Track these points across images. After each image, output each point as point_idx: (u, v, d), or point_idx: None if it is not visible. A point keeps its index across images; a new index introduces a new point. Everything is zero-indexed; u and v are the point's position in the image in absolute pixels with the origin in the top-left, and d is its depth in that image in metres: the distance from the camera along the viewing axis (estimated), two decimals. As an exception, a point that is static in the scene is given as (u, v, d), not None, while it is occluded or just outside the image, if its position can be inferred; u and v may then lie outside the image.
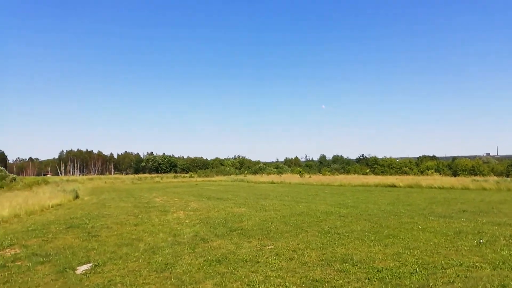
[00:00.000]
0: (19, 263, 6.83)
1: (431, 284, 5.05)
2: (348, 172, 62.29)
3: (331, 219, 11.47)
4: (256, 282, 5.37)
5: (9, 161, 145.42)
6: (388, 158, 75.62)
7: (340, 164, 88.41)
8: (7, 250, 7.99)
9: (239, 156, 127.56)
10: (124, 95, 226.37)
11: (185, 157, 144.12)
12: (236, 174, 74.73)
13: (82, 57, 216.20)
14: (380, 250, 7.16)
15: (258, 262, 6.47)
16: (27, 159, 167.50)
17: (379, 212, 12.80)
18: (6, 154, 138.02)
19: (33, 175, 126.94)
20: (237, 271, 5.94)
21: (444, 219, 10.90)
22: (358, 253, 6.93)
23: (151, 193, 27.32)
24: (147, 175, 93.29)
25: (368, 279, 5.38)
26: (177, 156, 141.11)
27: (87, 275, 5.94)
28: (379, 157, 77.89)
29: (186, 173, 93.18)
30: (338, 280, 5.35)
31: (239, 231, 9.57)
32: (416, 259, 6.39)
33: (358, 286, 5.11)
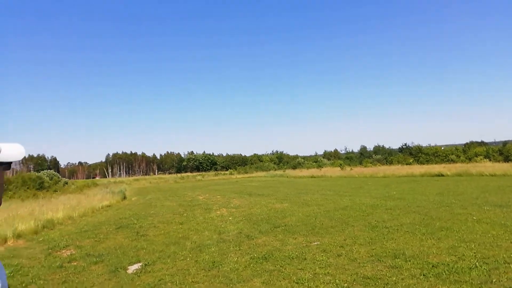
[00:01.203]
0: (75, 263, 7.16)
1: (494, 280, 4.71)
2: (391, 163, 60.30)
3: (378, 212, 11.09)
4: (305, 279, 5.27)
5: (61, 166, 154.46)
6: (432, 146, 72.35)
7: (382, 155, 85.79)
8: (63, 251, 8.41)
9: (277, 151, 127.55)
10: (164, 98, 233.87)
11: (224, 154, 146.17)
12: (275, 170, 74.71)
13: (123, 64, 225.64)
14: (434, 244, 6.80)
15: (305, 259, 6.36)
16: (77, 163, 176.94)
17: (428, 204, 12.23)
18: (58, 159, 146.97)
19: (83, 178, 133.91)
20: (285, 269, 5.86)
21: (501, 209, 10.20)
22: (409, 247, 6.62)
23: (194, 191, 27.88)
24: (189, 174, 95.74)
25: (423, 275, 5.10)
26: (216, 154, 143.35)
27: (138, 274, 6.11)
28: (423, 146, 74.75)
29: (226, 171, 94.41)
30: (391, 277, 5.12)
31: (283, 227, 9.48)
32: (474, 252, 5.99)
33: (413, 283, 4.85)
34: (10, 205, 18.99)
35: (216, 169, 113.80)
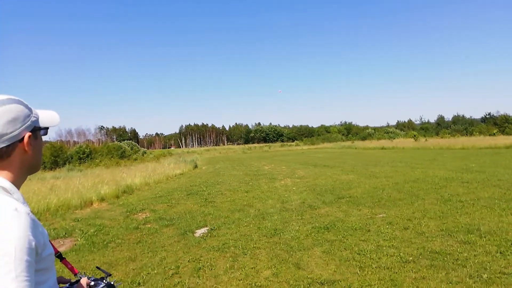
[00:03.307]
0: (149, 225, 7.77)
1: None
2: (471, 134, 55.41)
3: (452, 185, 10.34)
4: (367, 251, 5.14)
5: (140, 137, 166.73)
6: (523, 115, 64.87)
7: (462, 125, 79.12)
8: (139, 214, 9.17)
9: (345, 122, 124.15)
10: (231, 72, 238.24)
11: (291, 126, 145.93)
12: (343, 141, 73.00)
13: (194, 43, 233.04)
14: (515, 220, 6.19)
15: (369, 230, 6.19)
16: (154, 135, 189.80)
17: (513, 178, 11.09)
18: (137, 131, 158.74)
19: (159, 148, 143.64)
20: (347, 239, 5.77)
21: None
22: (486, 223, 6.10)
23: (260, 161, 28.41)
24: (256, 144, 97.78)
25: (500, 252, 4.69)
26: (282, 126, 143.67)
27: (204, 238, 6.46)
28: (510, 115, 67.31)
29: (292, 142, 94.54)
30: (462, 253, 4.78)
31: (347, 199, 9.29)
32: None
33: (487, 260, 4.48)
34: (96, 172, 21.09)
35: (282, 141, 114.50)
